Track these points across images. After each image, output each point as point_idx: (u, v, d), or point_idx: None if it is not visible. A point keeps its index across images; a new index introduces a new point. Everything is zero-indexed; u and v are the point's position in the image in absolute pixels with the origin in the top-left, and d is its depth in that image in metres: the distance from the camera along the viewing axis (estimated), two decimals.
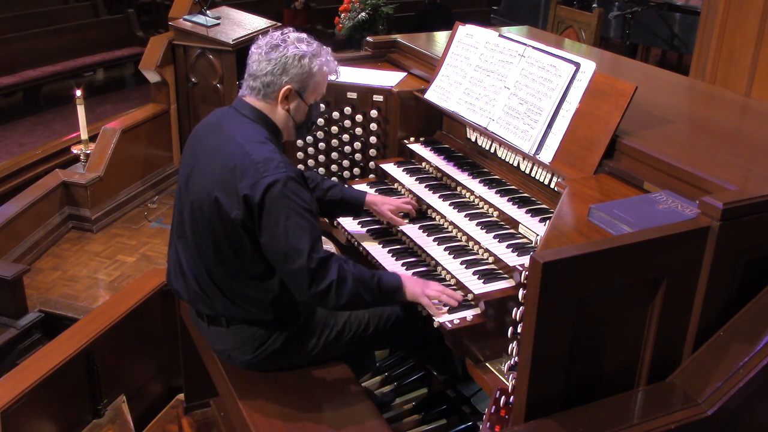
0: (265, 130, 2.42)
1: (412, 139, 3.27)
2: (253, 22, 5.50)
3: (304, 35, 2.47)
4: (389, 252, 2.73)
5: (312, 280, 2.30)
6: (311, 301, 2.38)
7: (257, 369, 2.53)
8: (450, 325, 2.27)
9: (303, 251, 2.28)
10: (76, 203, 4.73)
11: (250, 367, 2.53)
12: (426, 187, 2.97)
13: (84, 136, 4.92)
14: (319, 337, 2.53)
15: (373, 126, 3.28)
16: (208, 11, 5.45)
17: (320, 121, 3.31)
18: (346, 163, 3.36)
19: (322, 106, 3.25)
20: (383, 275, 2.43)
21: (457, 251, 2.59)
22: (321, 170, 3.41)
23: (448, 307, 2.36)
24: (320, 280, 2.31)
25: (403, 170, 3.12)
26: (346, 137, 3.33)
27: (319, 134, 3.35)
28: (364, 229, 2.91)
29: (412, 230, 2.77)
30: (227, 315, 2.47)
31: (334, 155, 3.38)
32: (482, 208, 2.75)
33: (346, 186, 2.99)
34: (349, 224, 2.95)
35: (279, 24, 5.71)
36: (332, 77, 2.54)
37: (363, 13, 5.82)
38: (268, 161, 2.28)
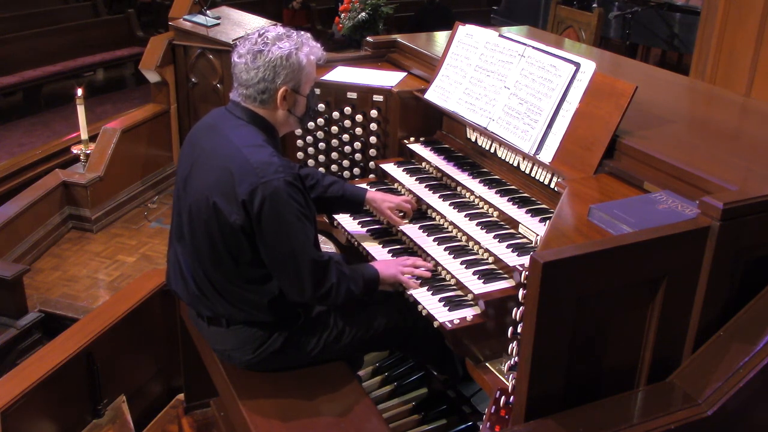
0: (262, 133, 2.42)
1: (412, 139, 3.27)
2: (253, 22, 5.50)
3: (281, 30, 2.45)
4: (389, 252, 2.73)
5: (313, 284, 2.36)
6: (312, 303, 2.43)
7: (257, 369, 2.53)
8: (450, 325, 2.27)
9: (304, 256, 2.32)
10: (76, 203, 4.73)
11: (250, 367, 2.53)
12: (426, 187, 2.97)
13: (84, 136, 4.91)
14: (319, 338, 2.53)
15: (373, 126, 3.28)
16: (208, 11, 5.44)
17: (320, 121, 3.31)
18: (346, 163, 3.36)
19: (322, 105, 3.26)
20: (364, 270, 2.53)
21: (457, 251, 2.59)
22: (321, 170, 3.41)
23: (427, 286, 2.48)
24: (321, 284, 2.37)
25: (403, 170, 3.12)
26: (346, 137, 3.33)
27: (319, 134, 3.35)
28: (364, 229, 2.91)
29: (412, 230, 2.77)
30: (227, 316, 2.47)
31: (334, 155, 3.38)
32: (482, 208, 2.75)
33: (347, 183, 2.99)
34: (349, 224, 2.95)
35: (279, 24, 5.70)
36: (319, 61, 2.53)
37: (363, 13, 5.80)
38: (266, 165, 2.28)
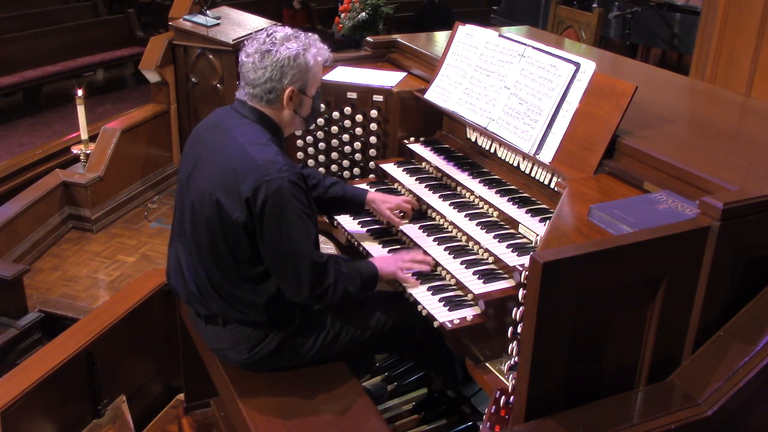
0: (267, 131, 2.43)
1: (412, 139, 3.27)
2: (253, 22, 5.50)
3: (289, 30, 2.46)
4: (389, 252, 2.73)
5: (312, 283, 2.36)
6: (308, 302, 2.43)
7: (253, 369, 2.53)
8: (450, 325, 2.27)
9: (304, 256, 2.32)
10: (76, 203, 4.73)
11: (246, 366, 2.53)
12: (426, 187, 2.97)
13: (84, 136, 4.92)
14: (315, 340, 2.52)
15: (373, 126, 3.28)
16: (208, 11, 5.44)
17: (320, 121, 3.31)
18: (346, 163, 3.36)
19: (322, 105, 3.26)
20: (362, 267, 2.52)
21: (457, 251, 2.59)
22: (321, 170, 3.41)
23: (428, 286, 2.45)
24: (320, 284, 2.38)
25: (403, 170, 3.12)
26: (346, 137, 3.33)
27: (319, 134, 3.35)
28: (364, 229, 2.91)
29: (412, 230, 2.77)
30: (222, 315, 2.47)
31: (334, 155, 3.38)
32: (482, 208, 2.75)
33: (347, 184, 2.99)
34: (349, 224, 2.95)
35: (279, 24, 5.70)
36: (326, 63, 2.54)
37: (363, 13, 5.81)
38: (270, 164, 2.28)
